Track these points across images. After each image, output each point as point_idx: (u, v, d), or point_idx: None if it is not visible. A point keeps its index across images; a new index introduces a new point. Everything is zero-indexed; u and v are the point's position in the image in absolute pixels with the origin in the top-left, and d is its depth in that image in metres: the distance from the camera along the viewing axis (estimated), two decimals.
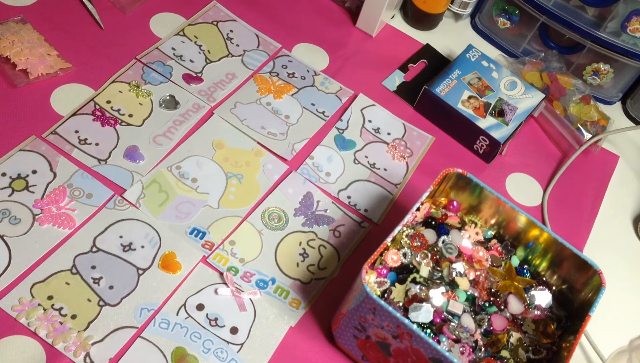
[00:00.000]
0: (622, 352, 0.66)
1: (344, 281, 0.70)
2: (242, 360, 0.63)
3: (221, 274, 0.67)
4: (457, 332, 0.59)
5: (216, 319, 0.64)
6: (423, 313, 0.59)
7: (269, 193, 0.75)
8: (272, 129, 0.80)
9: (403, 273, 0.62)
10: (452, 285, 0.63)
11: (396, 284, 0.61)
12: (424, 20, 0.98)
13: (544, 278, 0.66)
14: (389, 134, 0.85)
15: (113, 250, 0.66)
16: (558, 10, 0.92)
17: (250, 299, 0.67)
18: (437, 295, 0.61)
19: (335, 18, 0.96)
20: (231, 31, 0.89)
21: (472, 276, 0.64)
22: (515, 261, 0.66)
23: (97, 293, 0.63)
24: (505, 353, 0.60)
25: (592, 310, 0.59)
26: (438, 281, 0.63)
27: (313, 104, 0.85)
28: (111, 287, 0.64)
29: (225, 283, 0.67)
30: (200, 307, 0.65)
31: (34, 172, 0.69)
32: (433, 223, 0.67)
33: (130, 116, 0.77)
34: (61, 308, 0.61)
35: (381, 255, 0.62)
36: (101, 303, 0.63)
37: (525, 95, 0.87)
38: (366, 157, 0.81)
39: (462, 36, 1.01)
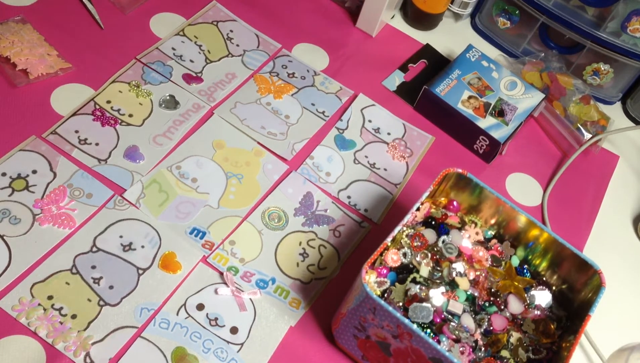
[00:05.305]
0: (622, 351, 0.66)
1: (344, 281, 0.70)
2: (242, 360, 0.63)
3: (221, 274, 0.67)
4: (457, 332, 0.59)
5: (216, 319, 0.64)
6: (423, 313, 0.59)
7: (269, 193, 0.75)
8: (272, 129, 0.80)
9: (403, 273, 0.62)
10: (452, 285, 0.63)
11: (396, 284, 0.61)
12: (424, 20, 0.98)
13: (544, 278, 0.66)
14: (389, 134, 0.85)
15: (113, 250, 0.66)
16: (558, 10, 0.92)
17: (250, 299, 0.67)
18: (437, 295, 0.61)
19: (335, 18, 0.96)
20: (231, 31, 0.89)
21: (472, 276, 0.64)
22: (515, 261, 0.66)
23: (97, 293, 0.63)
24: (505, 353, 0.60)
25: (592, 310, 0.59)
26: (438, 281, 0.63)
27: (313, 104, 0.85)
28: (111, 287, 0.64)
29: (225, 283, 0.67)
30: (200, 307, 0.65)
31: (34, 172, 0.69)
32: (433, 223, 0.67)
33: (130, 116, 0.77)
34: (61, 308, 0.61)
35: (381, 254, 0.62)
36: (101, 303, 0.63)
37: (525, 95, 0.87)
38: (366, 157, 0.81)
39: (462, 36, 1.01)
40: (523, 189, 0.85)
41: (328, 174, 0.78)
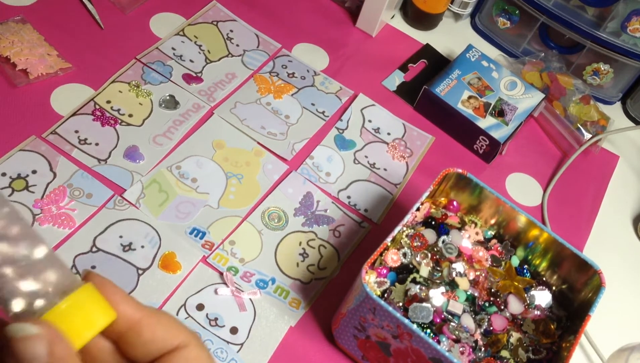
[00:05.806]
0: (622, 351, 0.66)
1: (344, 281, 0.70)
2: (242, 360, 0.63)
3: (221, 274, 0.67)
4: (457, 332, 0.59)
5: (216, 319, 0.64)
6: (423, 313, 0.59)
7: (269, 193, 0.75)
8: (272, 129, 0.80)
9: (403, 273, 0.62)
10: (452, 285, 0.63)
11: (396, 284, 0.61)
12: (424, 20, 0.98)
13: (544, 278, 0.66)
14: (389, 134, 0.85)
15: (113, 250, 0.66)
16: (558, 10, 0.92)
17: (250, 299, 0.67)
18: (437, 295, 0.61)
19: (335, 18, 0.96)
20: (231, 31, 0.89)
21: (472, 276, 0.64)
22: (515, 261, 0.66)
23: None
24: (505, 353, 0.60)
25: (592, 310, 0.59)
26: (438, 281, 0.63)
27: (313, 104, 0.85)
28: None
29: (225, 283, 0.67)
30: (200, 307, 0.65)
31: (34, 172, 0.69)
32: (433, 223, 0.67)
33: (130, 116, 0.77)
34: None
35: (381, 255, 0.62)
36: None
37: (525, 95, 0.87)
38: (366, 157, 0.81)
39: (462, 36, 1.01)
40: (523, 189, 0.85)
41: (328, 174, 0.78)
